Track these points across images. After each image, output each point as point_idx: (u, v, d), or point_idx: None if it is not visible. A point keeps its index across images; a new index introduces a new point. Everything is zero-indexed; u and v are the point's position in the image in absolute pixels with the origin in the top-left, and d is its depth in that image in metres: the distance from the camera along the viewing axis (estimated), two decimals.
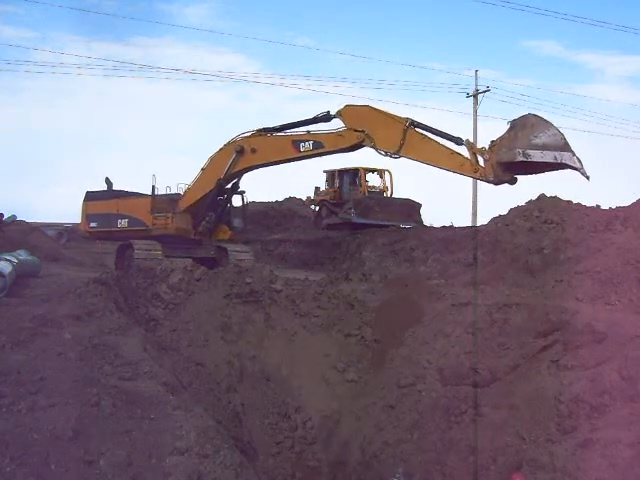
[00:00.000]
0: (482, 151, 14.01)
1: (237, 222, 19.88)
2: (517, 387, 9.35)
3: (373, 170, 28.13)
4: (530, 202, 17.82)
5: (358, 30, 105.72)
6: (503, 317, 10.85)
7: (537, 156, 13.21)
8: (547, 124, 13.36)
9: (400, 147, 15.28)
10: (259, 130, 17.98)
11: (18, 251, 14.49)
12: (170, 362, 11.77)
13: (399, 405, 10.82)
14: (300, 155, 17.36)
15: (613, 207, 16.19)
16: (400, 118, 15.46)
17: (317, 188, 30.56)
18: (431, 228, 24.71)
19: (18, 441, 7.14)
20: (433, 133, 15.01)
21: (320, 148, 16.98)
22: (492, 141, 13.94)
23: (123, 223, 19.17)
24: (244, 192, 20.23)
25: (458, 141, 14.58)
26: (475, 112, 31.92)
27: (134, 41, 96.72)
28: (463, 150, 14.47)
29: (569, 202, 17.40)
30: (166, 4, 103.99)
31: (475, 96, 32.06)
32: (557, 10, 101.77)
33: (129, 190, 20.11)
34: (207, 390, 12.05)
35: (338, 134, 16.71)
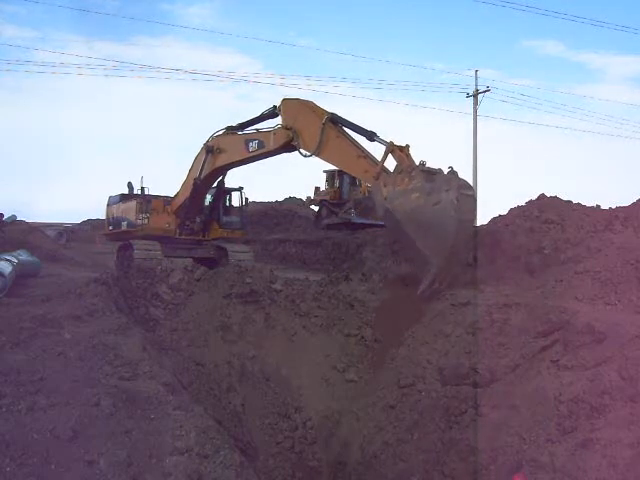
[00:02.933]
0: (401, 158, 13.07)
1: (226, 219, 19.85)
2: (517, 387, 9.33)
3: None
4: (530, 202, 17.78)
5: (358, 30, 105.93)
6: (503, 317, 10.83)
7: (394, 224, 12.31)
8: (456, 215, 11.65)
9: (318, 147, 14.49)
10: (226, 128, 17.45)
11: (18, 251, 14.52)
12: (170, 362, 11.78)
13: (399, 405, 10.81)
14: (251, 155, 16.53)
15: (613, 207, 16.20)
16: (321, 113, 14.60)
17: (317, 188, 30.57)
18: None
19: (18, 441, 7.14)
20: (350, 127, 14.28)
21: (263, 148, 16.06)
22: (399, 168, 12.74)
23: (124, 225, 19.51)
24: (242, 189, 20.20)
25: (370, 136, 13.91)
26: (475, 112, 31.92)
27: (136, 41, 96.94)
28: (375, 146, 13.80)
29: (569, 202, 17.39)
30: (169, 4, 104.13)
31: (475, 96, 32.05)
32: (558, 10, 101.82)
33: (147, 194, 20.09)
34: (207, 390, 12.06)
35: (273, 132, 15.77)
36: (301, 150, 15.08)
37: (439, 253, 12.17)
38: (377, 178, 13.35)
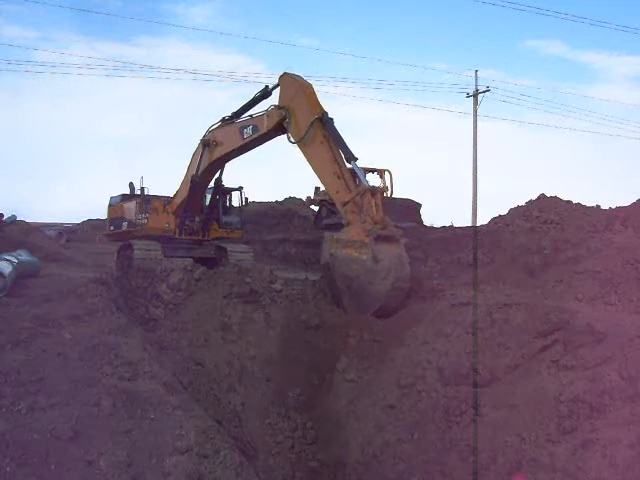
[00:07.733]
0: (369, 207, 13.15)
1: (226, 219, 19.81)
2: (517, 387, 9.34)
3: (373, 170, 28.08)
4: (530, 202, 17.85)
5: (358, 30, 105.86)
6: (503, 317, 10.84)
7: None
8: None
9: (301, 140, 14.42)
10: (221, 120, 17.33)
11: (18, 251, 14.45)
12: (170, 362, 11.75)
13: (399, 405, 10.81)
14: (246, 142, 16.34)
15: (613, 207, 16.22)
16: (315, 108, 14.46)
17: (317, 188, 30.48)
18: (431, 228, 24.69)
19: (18, 441, 7.13)
20: (335, 139, 14.09)
21: (257, 132, 15.91)
22: (363, 217, 13.14)
23: (125, 225, 19.49)
24: (242, 188, 20.16)
25: (349, 157, 13.86)
26: (475, 112, 31.88)
27: (138, 41, 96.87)
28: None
29: (569, 202, 17.44)
30: (171, 4, 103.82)
31: (475, 96, 32.01)
32: (560, 10, 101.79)
33: (147, 194, 19.98)
34: (207, 390, 12.04)
35: (267, 114, 15.66)
36: (289, 134, 14.97)
37: (357, 314, 13.37)
38: (345, 205, 13.74)
